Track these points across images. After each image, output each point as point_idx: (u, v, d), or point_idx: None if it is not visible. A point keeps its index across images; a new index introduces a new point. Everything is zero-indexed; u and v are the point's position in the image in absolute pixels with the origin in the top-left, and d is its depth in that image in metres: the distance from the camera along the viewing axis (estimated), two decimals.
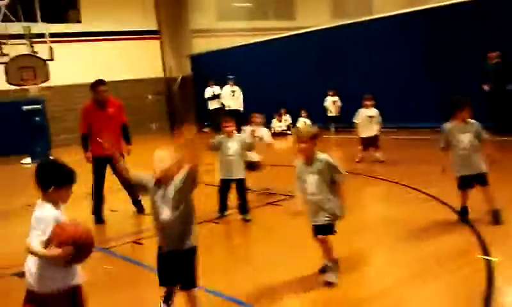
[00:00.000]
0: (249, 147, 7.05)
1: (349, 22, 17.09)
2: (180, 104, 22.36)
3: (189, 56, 22.38)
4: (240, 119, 17.03)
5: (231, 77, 17.55)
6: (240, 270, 5.41)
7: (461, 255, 5.11)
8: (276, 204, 7.71)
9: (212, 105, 18.74)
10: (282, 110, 17.31)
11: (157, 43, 21.65)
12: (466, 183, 5.95)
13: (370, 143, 10.29)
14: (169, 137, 19.37)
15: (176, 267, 3.86)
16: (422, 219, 6.35)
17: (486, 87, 12.07)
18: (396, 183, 8.39)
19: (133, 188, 7.64)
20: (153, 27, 21.50)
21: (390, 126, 12.47)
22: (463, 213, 6.07)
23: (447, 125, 5.99)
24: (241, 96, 17.36)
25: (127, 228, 7.49)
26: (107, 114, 7.74)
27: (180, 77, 22.75)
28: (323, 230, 4.63)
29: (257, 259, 5.77)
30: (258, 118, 8.76)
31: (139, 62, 20.72)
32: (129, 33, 20.79)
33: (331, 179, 4.58)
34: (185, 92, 22.44)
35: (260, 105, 17.11)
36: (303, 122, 16.65)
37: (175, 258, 3.85)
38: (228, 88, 17.57)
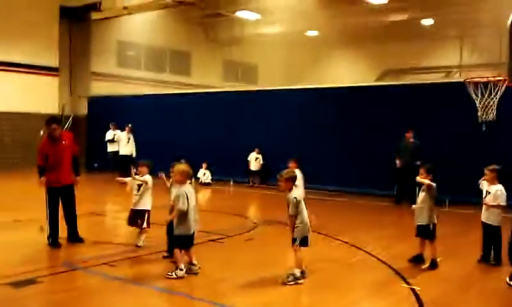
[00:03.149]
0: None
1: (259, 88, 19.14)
2: None
3: (87, 97, 22.77)
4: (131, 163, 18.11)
5: (130, 125, 18.52)
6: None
7: (385, 285, 6.75)
8: (218, 241, 8.92)
9: (112, 147, 19.24)
10: (182, 161, 18.38)
11: (56, 80, 21.75)
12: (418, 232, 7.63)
13: None
14: None
15: None
16: (345, 258, 8.00)
17: (398, 163, 13.63)
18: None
19: (74, 221, 8.53)
20: (54, 64, 21.62)
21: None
22: (417, 259, 7.63)
23: None
24: (133, 142, 18.53)
25: (89, 252, 8.15)
26: (61, 147, 8.49)
27: (72, 116, 22.92)
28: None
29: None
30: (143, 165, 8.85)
31: (35, 96, 20.73)
32: (29, 66, 20.75)
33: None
34: (77, 131, 22.62)
35: (155, 155, 18.20)
36: (203, 173, 18.01)
37: None
38: (124, 134, 18.50)
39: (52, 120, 8.56)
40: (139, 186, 8.31)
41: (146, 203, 8.34)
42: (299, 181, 10.05)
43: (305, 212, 6.71)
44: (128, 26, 24.65)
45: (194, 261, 6.93)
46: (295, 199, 6.64)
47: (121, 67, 24.69)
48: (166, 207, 7.33)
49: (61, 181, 8.46)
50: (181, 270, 6.69)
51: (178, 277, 6.60)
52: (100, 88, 23.07)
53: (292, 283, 6.52)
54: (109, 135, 19.29)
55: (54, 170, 8.37)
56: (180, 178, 6.92)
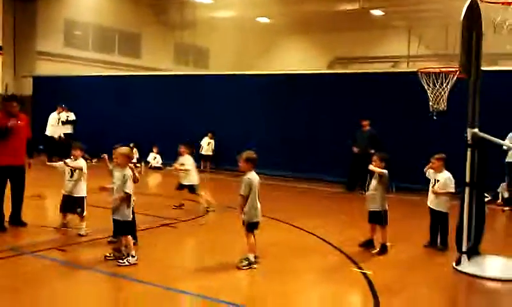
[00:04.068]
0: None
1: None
2: None
3: (32, 77, 22.01)
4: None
5: (63, 105, 18.34)
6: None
7: (338, 269, 6.87)
8: (171, 226, 8.85)
9: (64, 130, 18.73)
10: (131, 144, 18.08)
11: None
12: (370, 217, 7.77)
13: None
14: None
15: None
16: (298, 243, 8.09)
17: (355, 149, 13.65)
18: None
19: (20, 204, 8.32)
20: None
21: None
22: (367, 244, 7.77)
23: None
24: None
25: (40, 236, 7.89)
26: (18, 125, 8.22)
27: (17, 96, 22.16)
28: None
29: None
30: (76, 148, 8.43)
31: None
32: None
33: None
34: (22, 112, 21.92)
35: (103, 137, 17.95)
36: (154, 157, 17.79)
37: None
38: (55, 114, 18.15)
39: (12, 98, 8.68)
40: (72, 171, 8.02)
41: (82, 190, 8.06)
42: (191, 166, 10.37)
43: (256, 197, 6.68)
44: (76, 5, 23.88)
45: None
46: (248, 179, 6.64)
47: (68, 47, 23.91)
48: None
49: (14, 160, 8.21)
50: (133, 256, 6.57)
51: (131, 264, 6.49)
52: (47, 68, 22.30)
53: (246, 267, 6.56)
54: (62, 117, 18.74)
55: (7, 148, 8.08)
56: (123, 160, 6.77)
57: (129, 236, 6.68)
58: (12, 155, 8.15)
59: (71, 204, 8.05)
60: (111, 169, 7.34)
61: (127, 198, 6.59)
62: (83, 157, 8.29)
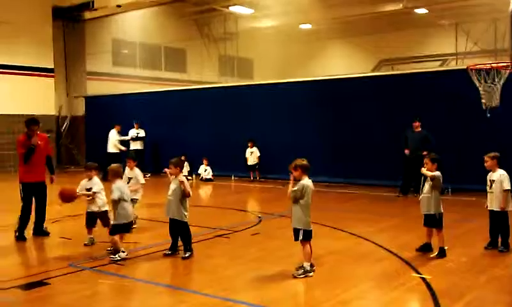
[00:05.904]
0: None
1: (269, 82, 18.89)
2: (69, 143, 22.55)
3: (84, 97, 22.71)
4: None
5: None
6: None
7: (395, 275, 6.74)
8: (225, 237, 8.92)
9: (134, 145, 19.07)
10: (182, 157, 18.37)
11: (51, 81, 21.64)
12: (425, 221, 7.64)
13: None
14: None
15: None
16: (353, 250, 8.00)
17: (406, 152, 13.38)
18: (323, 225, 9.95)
19: (43, 216, 9.05)
20: (49, 65, 21.51)
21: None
22: (424, 248, 7.65)
23: None
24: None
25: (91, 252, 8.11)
26: (38, 144, 8.90)
27: (69, 117, 22.95)
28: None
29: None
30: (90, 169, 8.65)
31: (31, 98, 20.65)
32: (24, 68, 20.69)
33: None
34: (76, 132, 22.74)
35: (155, 151, 18.26)
36: (204, 169, 17.99)
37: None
38: (114, 132, 18.50)
39: (34, 122, 8.97)
40: (88, 189, 8.31)
41: (100, 205, 8.31)
42: (136, 179, 9.66)
43: (309, 205, 6.64)
44: (122, 24, 24.57)
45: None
46: (302, 184, 6.60)
47: (116, 66, 24.65)
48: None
49: (36, 177, 8.96)
50: (123, 251, 7.49)
51: (122, 259, 7.34)
52: (97, 88, 23.04)
53: (302, 276, 6.53)
54: (132, 133, 19.10)
55: (29, 166, 8.87)
56: (111, 177, 7.70)
57: (115, 236, 7.46)
58: (34, 173, 8.92)
59: (93, 220, 8.43)
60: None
61: (114, 203, 7.50)
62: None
